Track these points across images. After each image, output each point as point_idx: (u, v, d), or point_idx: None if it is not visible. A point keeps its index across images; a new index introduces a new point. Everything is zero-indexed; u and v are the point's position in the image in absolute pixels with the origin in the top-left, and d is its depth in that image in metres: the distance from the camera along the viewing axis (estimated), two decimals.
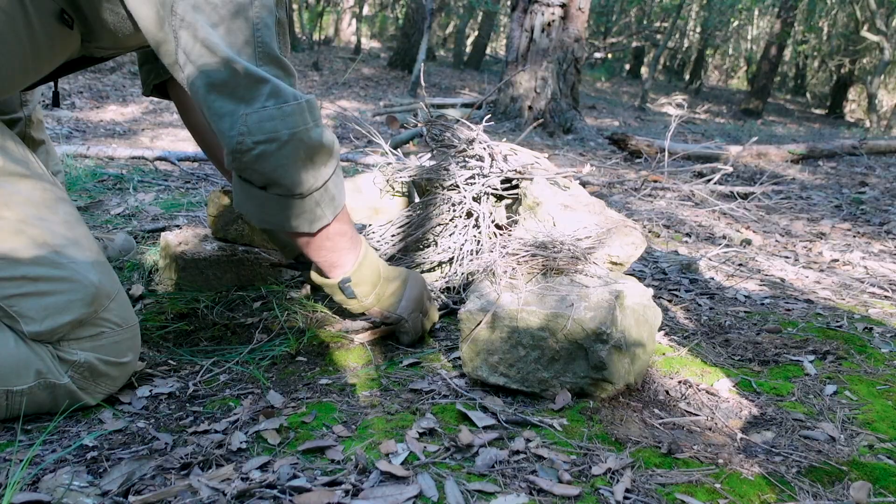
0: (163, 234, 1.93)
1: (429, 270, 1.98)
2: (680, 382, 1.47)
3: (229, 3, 1.20)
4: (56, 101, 1.55)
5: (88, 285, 1.25)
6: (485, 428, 1.24)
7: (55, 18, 1.26)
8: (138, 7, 1.22)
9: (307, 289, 1.89)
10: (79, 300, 1.25)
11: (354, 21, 18.05)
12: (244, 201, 1.32)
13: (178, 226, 2.47)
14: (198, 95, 1.21)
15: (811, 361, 1.58)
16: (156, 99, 6.57)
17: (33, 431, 1.23)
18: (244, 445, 1.17)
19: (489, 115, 2.63)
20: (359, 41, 16.10)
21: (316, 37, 15.37)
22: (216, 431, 1.23)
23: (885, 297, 2.21)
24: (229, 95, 1.19)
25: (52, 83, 1.52)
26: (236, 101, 1.19)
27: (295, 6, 15.69)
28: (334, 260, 1.43)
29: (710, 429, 1.30)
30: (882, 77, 14.05)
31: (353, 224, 1.45)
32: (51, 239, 1.25)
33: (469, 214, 1.95)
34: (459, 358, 1.45)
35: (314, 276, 1.50)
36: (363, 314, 1.58)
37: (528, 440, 1.19)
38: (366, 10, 19.76)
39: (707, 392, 1.44)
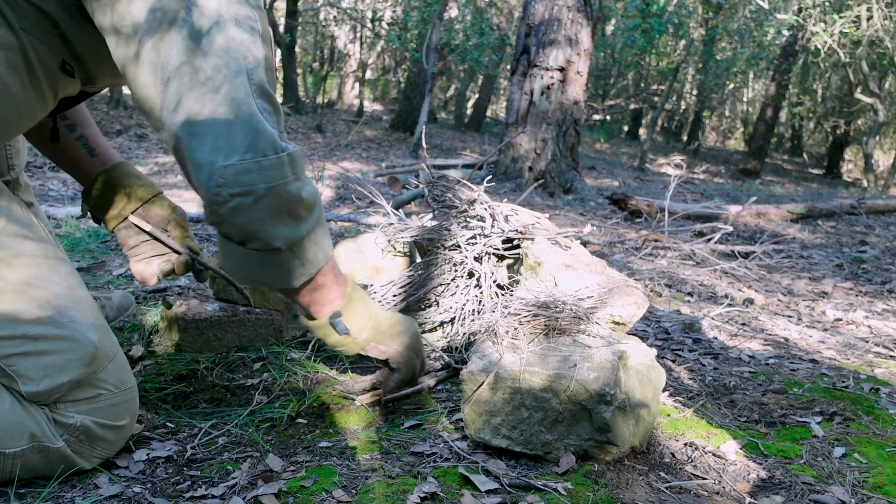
0: (164, 295, 1.93)
1: (430, 330, 1.97)
2: (686, 444, 1.45)
3: (223, 59, 1.17)
4: (55, 138, 1.56)
5: (88, 345, 1.25)
6: (487, 492, 1.21)
7: (58, 69, 1.30)
8: (138, 75, 1.20)
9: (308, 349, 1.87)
10: (78, 360, 1.24)
11: (357, 85, 18.42)
12: (226, 258, 1.30)
13: (179, 286, 2.47)
14: (181, 144, 1.18)
15: (818, 423, 1.56)
16: (161, 161, 6.67)
17: (27, 497, 1.21)
18: None
19: (490, 176, 2.66)
20: (361, 104, 16.39)
21: (319, 100, 15.67)
22: (214, 497, 1.21)
23: (891, 356, 2.20)
24: (211, 146, 1.16)
25: (51, 122, 1.54)
26: (215, 153, 1.16)
27: (299, 70, 16.04)
28: (321, 299, 1.39)
29: (717, 493, 1.27)
30: (877, 138, 14.24)
31: (339, 271, 1.41)
32: (53, 299, 1.25)
33: (470, 274, 1.96)
34: (461, 420, 1.43)
35: (304, 320, 1.45)
36: (363, 370, 1.52)
37: None
38: (368, 74, 20.17)
39: (713, 454, 1.41)
